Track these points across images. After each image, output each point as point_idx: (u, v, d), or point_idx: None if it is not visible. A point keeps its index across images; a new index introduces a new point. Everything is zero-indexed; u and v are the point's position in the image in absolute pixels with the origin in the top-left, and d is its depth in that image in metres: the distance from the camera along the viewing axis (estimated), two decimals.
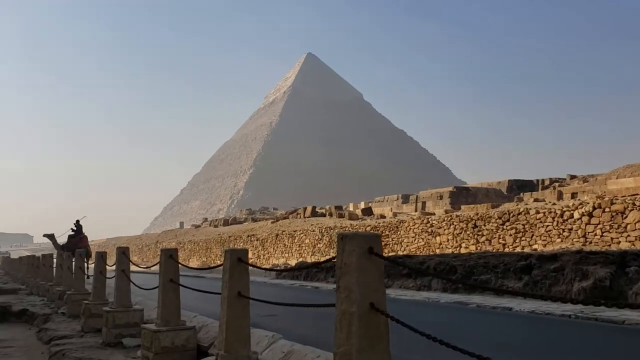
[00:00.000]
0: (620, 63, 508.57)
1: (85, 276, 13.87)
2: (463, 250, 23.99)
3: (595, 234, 19.83)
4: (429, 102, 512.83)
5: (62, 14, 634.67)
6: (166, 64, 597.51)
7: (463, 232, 25.49)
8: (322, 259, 32.75)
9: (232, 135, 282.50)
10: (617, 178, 34.66)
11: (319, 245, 35.26)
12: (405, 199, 55.30)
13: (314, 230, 36.88)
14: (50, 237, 23.46)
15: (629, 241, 18.73)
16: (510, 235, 23.09)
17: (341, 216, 48.40)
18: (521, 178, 57.50)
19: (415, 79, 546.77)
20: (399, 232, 29.43)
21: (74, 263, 14.50)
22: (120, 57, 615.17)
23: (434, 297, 13.95)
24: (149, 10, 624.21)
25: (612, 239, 19.30)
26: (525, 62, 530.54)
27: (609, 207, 19.83)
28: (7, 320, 14.16)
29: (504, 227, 23.52)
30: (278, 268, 29.25)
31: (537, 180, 55.37)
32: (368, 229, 30.42)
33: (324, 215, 53.32)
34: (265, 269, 6.87)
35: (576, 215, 20.78)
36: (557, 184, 47.58)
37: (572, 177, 50.70)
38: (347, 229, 33.48)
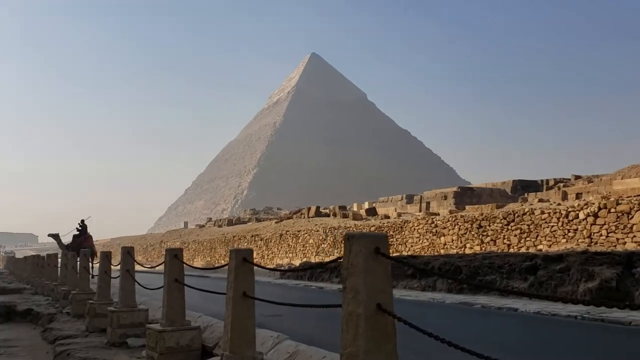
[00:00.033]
0: (620, 63, 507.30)
1: (90, 276, 13.87)
2: (468, 251, 23.92)
3: (601, 235, 19.75)
4: (432, 101, 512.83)
5: (64, 14, 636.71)
6: (170, 64, 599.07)
7: (468, 232, 25.42)
8: (326, 259, 32.77)
9: (236, 135, 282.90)
10: (622, 178, 34.52)
11: (323, 245, 35.24)
12: (410, 199, 55.19)
13: (318, 231, 36.86)
14: (55, 236, 23.54)
15: (635, 242, 18.65)
16: (515, 235, 23.02)
17: (345, 216, 48.36)
18: (525, 178, 57.31)
19: (418, 79, 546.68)
20: (403, 233, 29.38)
21: (78, 263, 14.52)
22: (125, 56, 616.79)
23: (439, 298, 13.90)
24: (153, 10, 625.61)
25: (617, 239, 19.22)
26: (526, 62, 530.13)
27: (615, 208, 19.75)
28: (12, 320, 14.18)
29: (509, 227, 23.45)
30: (282, 268, 29.23)
31: (542, 181, 55.18)
32: (372, 229, 30.38)
33: (328, 215, 53.28)
34: (270, 269, 6.85)
35: (581, 215, 20.70)
36: (561, 185, 47.41)
37: (577, 177, 50.52)
38: (351, 229, 33.45)
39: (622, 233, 19.24)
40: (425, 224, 28.49)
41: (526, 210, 23.66)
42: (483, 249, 23.64)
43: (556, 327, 9.53)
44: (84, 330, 10.62)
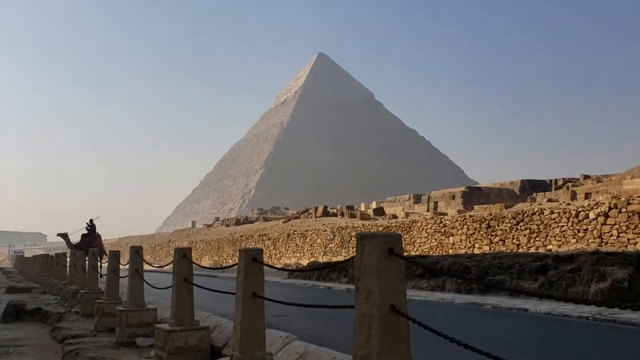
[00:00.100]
0: (621, 63, 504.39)
1: (99, 275, 13.88)
2: (476, 251, 23.79)
3: (612, 235, 19.57)
4: (439, 101, 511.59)
5: (76, 14, 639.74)
6: (178, 64, 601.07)
7: (476, 232, 25.29)
8: (334, 259, 32.71)
9: (243, 135, 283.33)
10: (632, 178, 34.24)
11: (330, 245, 35.17)
12: (417, 199, 55.03)
13: (325, 230, 36.80)
14: (64, 236, 23.59)
15: None
16: (525, 235, 22.87)
17: (353, 216, 48.27)
18: (534, 178, 57.00)
19: (426, 79, 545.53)
20: (411, 233, 29.27)
21: (87, 262, 14.53)
22: (135, 57, 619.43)
23: (448, 298, 13.81)
24: (162, 10, 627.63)
25: (628, 239, 19.04)
26: (531, 62, 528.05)
27: (626, 208, 19.57)
28: (20, 319, 14.20)
29: (518, 227, 23.30)
30: (291, 268, 29.20)
31: (550, 181, 54.87)
32: (380, 229, 30.29)
33: (335, 215, 53.22)
34: (280, 269, 6.80)
35: (592, 215, 20.53)
36: (570, 184, 47.12)
37: (586, 177, 50.19)
38: (359, 229, 33.37)
39: (633, 233, 19.06)
40: (434, 223, 28.37)
41: (535, 210, 23.50)
42: (492, 249, 23.50)
43: (567, 327, 9.43)
44: (93, 329, 10.61)
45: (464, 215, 27.69)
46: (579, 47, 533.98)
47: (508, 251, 21.03)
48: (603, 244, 19.46)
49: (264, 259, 5.52)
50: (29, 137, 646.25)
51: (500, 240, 23.93)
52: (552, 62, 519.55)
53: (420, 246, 28.32)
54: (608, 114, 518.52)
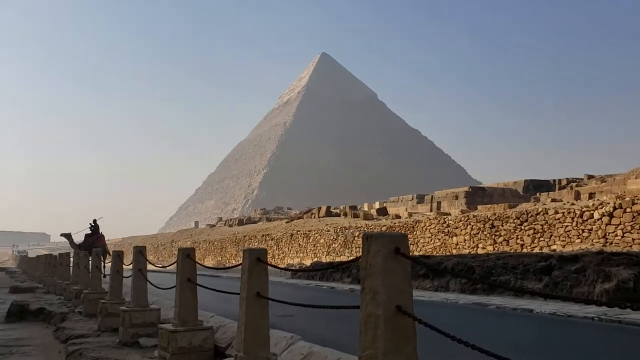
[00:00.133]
0: (623, 63, 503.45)
1: (102, 275, 13.87)
2: (480, 251, 23.73)
3: (616, 235, 19.49)
4: (442, 101, 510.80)
5: (77, 14, 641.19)
6: (181, 64, 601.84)
7: (480, 232, 25.22)
8: (337, 259, 32.67)
9: (246, 135, 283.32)
10: (636, 178, 34.13)
11: (333, 245, 35.14)
12: (420, 199, 54.97)
13: (328, 230, 36.77)
14: (67, 236, 23.62)
15: None
16: (529, 235, 22.80)
17: (356, 216, 48.23)
18: (536, 178, 56.88)
19: (428, 79, 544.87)
20: (414, 233, 29.22)
21: (90, 262, 14.53)
22: (137, 56, 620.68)
23: (452, 298, 13.77)
24: (165, 11, 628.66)
25: (633, 239, 18.95)
26: (533, 62, 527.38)
27: (630, 208, 19.48)
28: (24, 319, 14.20)
29: (522, 227, 23.23)
30: (294, 268, 29.18)
31: (554, 180, 54.74)
32: (383, 229, 30.24)
33: (338, 215, 53.18)
34: (283, 269, 6.77)
35: (596, 215, 20.45)
36: (574, 184, 46.96)
37: (590, 177, 50.03)
38: (362, 229, 33.34)
39: (638, 233, 18.97)
40: (437, 223, 28.31)
41: (540, 210, 23.42)
42: (496, 249, 23.43)
43: (573, 328, 9.39)
44: (96, 329, 10.60)
45: (468, 215, 27.62)
46: (579, 47, 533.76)
47: (512, 251, 20.96)
48: (608, 244, 19.37)
49: (267, 259, 5.49)
50: (31, 138, 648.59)
51: (504, 240, 23.86)
52: (553, 61, 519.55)
53: (423, 246, 28.27)
54: (610, 113, 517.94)
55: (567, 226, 21.37)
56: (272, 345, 5.75)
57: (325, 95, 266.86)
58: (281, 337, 6.72)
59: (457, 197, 49.10)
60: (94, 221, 23.47)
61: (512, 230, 23.67)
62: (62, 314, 13.34)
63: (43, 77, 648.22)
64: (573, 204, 26.11)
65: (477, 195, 49.34)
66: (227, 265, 42.37)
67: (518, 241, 23.19)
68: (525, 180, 55.95)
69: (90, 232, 23.08)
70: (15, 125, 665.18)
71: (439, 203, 50.40)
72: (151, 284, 9.20)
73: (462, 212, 36.23)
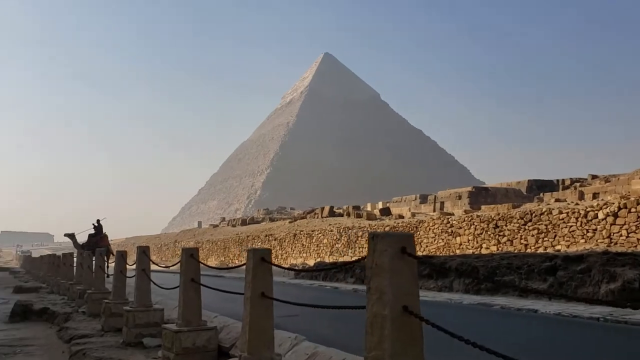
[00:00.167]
0: (622, 63, 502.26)
1: (106, 275, 13.86)
2: (484, 251, 23.66)
3: (621, 235, 19.40)
4: (445, 101, 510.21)
5: (83, 15, 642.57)
6: (183, 64, 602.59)
7: (484, 232, 25.15)
8: (340, 259, 32.62)
9: (249, 136, 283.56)
10: None
11: (337, 245, 35.09)
12: (424, 199, 54.88)
13: (332, 230, 36.73)
14: (71, 236, 23.64)
15: None
16: (533, 235, 22.72)
17: (359, 216, 48.17)
18: (539, 178, 56.74)
19: (431, 79, 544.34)
20: (418, 233, 29.16)
21: (94, 262, 14.53)
22: (141, 57, 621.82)
23: (456, 299, 13.71)
24: (169, 11, 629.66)
25: (638, 240, 18.86)
26: (535, 62, 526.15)
27: (635, 208, 19.40)
28: (28, 319, 14.21)
29: (526, 227, 23.15)
30: (298, 268, 29.14)
31: (557, 180, 54.57)
32: (387, 229, 30.18)
33: (341, 215, 53.12)
34: (288, 269, 6.75)
35: (601, 215, 20.37)
36: (578, 184, 46.81)
37: (594, 177, 49.85)
38: (365, 229, 33.29)
39: None
40: (441, 223, 28.25)
41: (544, 210, 23.34)
42: (499, 249, 23.36)
43: (578, 328, 9.33)
44: (100, 329, 10.59)
45: (471, 215, 27.56)
46: (581, 47, 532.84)
47: (516, 251, 20.89)
48: (612, 244, 19.29)
49: (270, 259, 5.46)
50: (34, 138, 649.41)
51: (508, 240, 23.79)
52: (555, 61, 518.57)
53: (427, 246, 28.20)
54: (614, 113, 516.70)
55: (571, 226, 21.29)
56: (276, 346, 5.72)
57: (328, 95, 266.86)
58: (285, 338, 6.69)
59: (460, 197, 49.01)
60: (98, 221, 23.49)
61: (516, 231, 23.59)
62: (66, 314, 13.34)
63: (48, 78, 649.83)
64: (577, 204, 26.04)
65: (481, 195, 49.23)
66: (230, 265, 42.37)
67: (522, 241, 23.12)
68: (528, 180, 55.80)
69: (93, 232, 23.10)
70: (18, 126, 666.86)
71: (442, 203, 50.31)
72: (155, 284, 9.19)
73: (466, 212, 36.15)
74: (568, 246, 20.86)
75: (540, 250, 21.01)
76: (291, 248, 40.48)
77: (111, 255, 20.03)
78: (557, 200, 36.62)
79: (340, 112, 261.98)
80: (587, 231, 20.66)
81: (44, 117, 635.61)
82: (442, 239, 27.53)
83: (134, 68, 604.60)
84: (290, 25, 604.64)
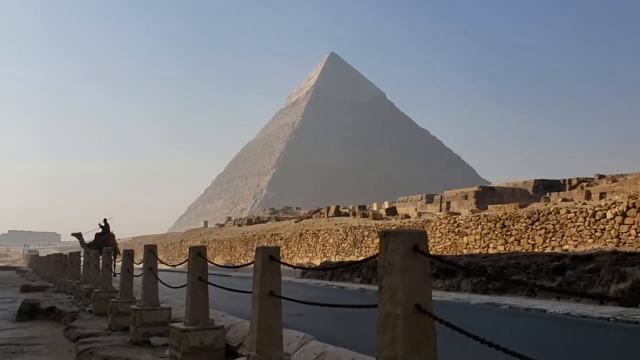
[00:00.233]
0: (623, 63, 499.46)
1: (112, 274, 13.86)
2: (491, 251, 23.55)
3: (630, 235, 19.26)
4: (451, 101, 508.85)
5: (93, 15, 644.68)
6: (191, 65, 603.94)
7: (491, 232, 25.04)
8: (347, 259, 32.55)
9: (255, 135, 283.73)
10: None
11: (343, 245, 35.03)
12: (430, 199, 54.73)
13: (338, 230, 36.67)
14: (78, 236, 23.68)
15: None
16: (540, 235, 22.59)
17: (365, 216, 48.08)
18: (544, 177, 56.50)
19: (437, 79, 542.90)
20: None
21: (101, 261, 14.53)
22: (150, 57, 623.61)
23: (464, 298, 13.63)
24: (177, 12, 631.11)
25: None
26: (538, 62, 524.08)
27: None
28: (35, 318, 14.23)
29: (534, 227, 23.02)
30: (307, 266, 29.08)
31: (564, 180, 54.32)
32: (393, 228, 30.09)
33: (347, 215, 53.05)
34: (297, 267, 6.70)
35: (609, 215, 20.23)
36: (584, 184, 46.56)
37: (601, 176, 49.54)
38: (371, 228, 33.23)
39: None
40: (447, 223, 28.15)
41: (551, 209, 23.21)
42: (507, 248, 23.25)
43: (587, 328, 9.24)
44: (107, 328, 10.58)
45: (478, 215, 27.44)
46: (581, 47, 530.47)
47: (523, 251, 20.78)
48: (621, 243, 19.15)
49: (279, 258, 5.42)
50: (41, 138, 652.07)
51: (515, 240, 23.67)
52: (558, 61, 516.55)
53: (434, 246, 28.11)
54: (613, 113, 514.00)
55: (579, 226, 21.16)
56: (284, 345, 5.67)
57: (333, 95, 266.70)
58: (294, 337, 6.64)
59: (466, 197, 48.85)
60: (105, 221, 23.53)
61: (523, 230, 23.47)
62: (73, 313, 13.35)
63: (54, 78, 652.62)
64: (585, 203, 25.89)
65: (487, 195, 49.05)
66: (237, 264, 42.34)
67: (529, 241, 22.99)
68: (535, 180, 55.58)
69: (100, 231, 23.14)
70: (26, 126, 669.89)
71: (448, 203, 50.16)
72: (162, 282, 9.16)
73: (472, 211, 36.02)
74: (576, 246, 20.73)
75: (548, 250, 20.89)
76: (297, 247, 40.45)
77: (118, 254, 20.06)
78: (564, 200, 36.43)
79: (346, 112, 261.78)
80: (596, 231, 20.53)
81: (51, 117, 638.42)
82: (449, 239, 27.43)
83: (141, 68, 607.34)
84: (296, 25, 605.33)
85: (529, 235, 23.13)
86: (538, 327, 9.53)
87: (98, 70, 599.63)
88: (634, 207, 19.59)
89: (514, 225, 23.98)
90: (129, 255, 10.76)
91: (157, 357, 7.83)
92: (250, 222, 76.88)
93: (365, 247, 32.47)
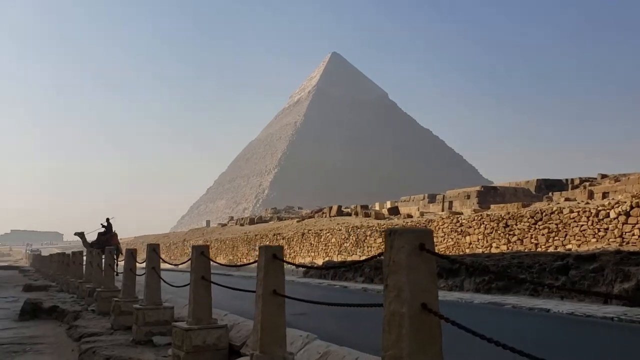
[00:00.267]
0: (629, 62, 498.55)
1: (115, 273, 13.86)
2: (494, 250, 23.50)
3: (633, 234, 19.18)
4: (453, 101, 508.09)
5: (98, 15, 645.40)
6: (192, 64, 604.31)
7: (494, 231, 24.98)
8: (349, 259, 32.53)
9: (257, 135, 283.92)
10: None
11: (345, 244, 35.00)
12: (432, 199, 54.71)
13: (340, 230, 36.64)
14: (81, 235, 23.74)
15: None
16: (543, 235, 22.54)
17: (367, 215, 48.03)
18: (546, 177, 56.43)
19: (439, 78, 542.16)
20: None
21: (103, 260, 14.53)
22: (152, 57, 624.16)
23: (467, 298, 13.60)
24: (179, 12, 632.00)
25: None
26: (540, 62, 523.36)
27: None
28: (37, 317, 14.24)
29: (536, 226, 22.96)
30: (310, 265, 29.06)
31: (566, 180, 54.24)
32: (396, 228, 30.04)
33: (349, 214, 53.01)
34: (301, 266, 6.69)
35: (612, 214, 20.16)
36: (587, 184, 46.47)
37: (603, 176, 49.44)
38: (374, 228, 33.19)
39: None
40: (450, 223, 28.10)
41: (554, 209, 23.15)
42: (510, 248, 23.20)
43: (591, 328, 9.21)
44: (109, 327, 10.58)
45: (481, 215, 27.39)
46: (583, 47, 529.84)
47: (526, 250, 20.73)
48: (624, 243, 19.08)
49: (282, 257, 5.40)
50: (45, 138, 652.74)
51: (518, 239, 23.61)
52: (558, 61, 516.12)
53: (436, 245, 28.04)
54: (613, 113, 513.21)
55: (582, 225, 21.09)
56: (288, 344, 5.65)
57: (335, 94, 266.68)
58: (297, 336, 6.62)
59: (468, 197, 48.80)
60: (107, 220, 23.57)
61: (526, 230, 23.41)
62: (75, 312, 13.36)
63: (57, 78, 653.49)
64: (588, 203, 25.82)
65: (489, 194, 48.99)
66: (240, 263, 42.36)
67: (532, 240, 22.94)
68: (537, 180, 55.49)
69: (103, 230, 23.17)
70: (28, 125, 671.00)
71: (450, 202, 50.12)
72: (165, 281, 9.15)
73: (475, 211, 35.95)
74: (579, 245, 20.67)
75: (551, 250, 20.84)
76: (299, 247, 40.43)
77: (120, 253, 20.06)
78: (566, 199, 36.36)
79: (347, 112, 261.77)
80: (599, 230, 20.46)
81: (52, 117, 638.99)
82: (452, 238, 27.39)
83: (142, 68, 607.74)
84: (298, 25, 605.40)
85: (531, 235, 23.07)
86: (541, 327, 9.50)
87: (99, 70, 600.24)
88: (638, 206, 19.51)
89: (516, 225, 23.93)
90: (131, 254, 10.76)
91: (159, 356, 7.81)
92: (252, 221, 76.87)
93: (368, 247, 32.43)
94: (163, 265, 10.45)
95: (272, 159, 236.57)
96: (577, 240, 21.05)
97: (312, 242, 38.99)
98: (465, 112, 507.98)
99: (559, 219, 22.11)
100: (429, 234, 3.27)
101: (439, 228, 28.55)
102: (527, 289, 13.25)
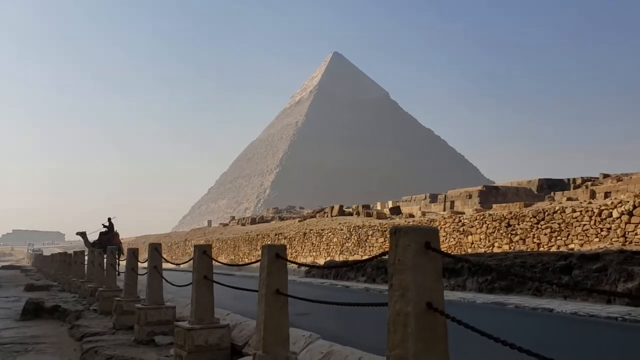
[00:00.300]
0: (630, 62, 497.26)
1: (117, 273, 13.84)
2: (496, 250, 23.45)
3: (636, 234, 19.13)
4: (455, 101, 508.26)
5: (99, 15, 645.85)
6: (193, 64, 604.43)
7: (496, 231, 24.93)
8: (351, 258, 32.49)
9: (258, 135, 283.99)
10: None
11: (347, 244, 34.97)
12: (433, 199, 54.67)
13: (342, 229, 36.60)
14: (83, 235, 23.74)
15: None
16: (545, 234, 22.49)
17: (369, 215, 47.99)
18: (548, 177, 56.35)
19: (441, 78, 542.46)
20: None
21: (105, 260, 14.51)
22: (154, 57, 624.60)
23: (470, 298, 13.55)
24: (180, 12, 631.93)
25: None
26: (542, 62, 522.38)
27: None
28: (39, 317, 14.22)
29: (539, 226, 22.91)
30: (312, 265, 29.01)
31: (568, 180, 54.19)
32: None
33: (351, 214, 52.97)
34: (304, 265, 6.66)
35: (615, 214, 20.10)
36: (589, 183, 46.40)
37: (605, 176, 49.37)
38: (375, 228, 33.15)
39: None
40: (452, 222, 28.05)
41: (557, 208, 23.09)
42: (512, 248, 23.15)
43: (595, 328, 9.16)
44: (111, 327, 10.56)
45: (483, 214, 27.33)
46: (583, 47, 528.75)
47: (529, 250, 20.67)
48: (627, 243, 19.02)
49: (285, 256, 5.36)
50: (43, 138, 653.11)
51: (521, 239, 23.56)
52: (558, 61, 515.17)
53: None
54: (613, 113, 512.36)
55: (584, 225, 21.04)
56: (290, 344, 5.62)
57: (337, 94, 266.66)
58: (300, 336, 6.59)
59: (470, 197, 48.75)
60: (109, 220, 23.56)
61: (528, 229, 23.36)
62: (77, 312, 13.33)
63: (58, 78, 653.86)
64: (590, 202, 25.75)
65: (491, 194, 48.93)
66: (242, 262, 42.33)
67: (535, 240, 22.88)
68: (539, 180, 55.44)
69: (105, 230, 23.17)
70: (29, 125, 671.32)
71: (452, 202, 50.07)
72: (167, 281, 9.12)
73: (477, 211, 35.89)
74: (582, 245, 20.62)
75: (554, 249, 20.78)
76: (301, 247, 40.40)
77: (122, 253, 20.05)
78: (568, 199, 36.28)
79: (349, 111, 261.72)
80: (601, 230, 20.41)
81: (53, 117, 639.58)
82: (454, 238, 27.34)
83: (143, 68, 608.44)
84: (300, 25, 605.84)
85: (534, 235, 23.02)
86: (545, 327, 9.46)
87: (99, 70, 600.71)
88: None
89: (519, 225, 23.88)
90: (133, 253, 10.73)
91: (161, 356, 7.78)
92: (253, 221, 76.84)
93: (370, 247, 32.40)
94: (165, 265, 10.43)
95: (274, 158, 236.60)
96: (580, 239, 21.00)
97: (314, 242, 38.96)
98: (466, 112, 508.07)
99: (562, 218, 22.05)
100: (435, 233, 3.23)
101: (441, 228, 28.49)
102: (530, 289, 13.21)
